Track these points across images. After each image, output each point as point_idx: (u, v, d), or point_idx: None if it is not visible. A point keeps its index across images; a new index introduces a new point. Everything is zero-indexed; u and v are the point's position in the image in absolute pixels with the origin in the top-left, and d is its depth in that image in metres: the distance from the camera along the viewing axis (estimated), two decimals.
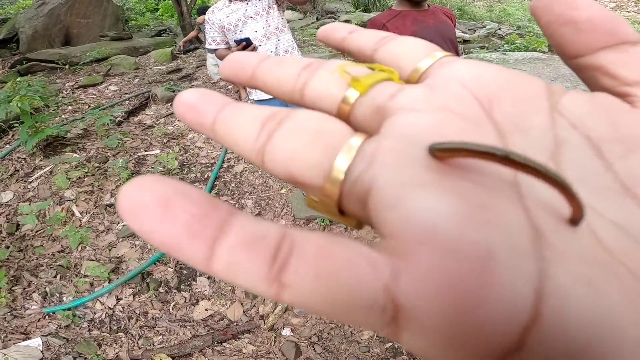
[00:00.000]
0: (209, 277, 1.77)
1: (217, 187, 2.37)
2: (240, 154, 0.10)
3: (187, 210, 0.08)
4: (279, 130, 0.09)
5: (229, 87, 3.64)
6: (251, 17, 1.59)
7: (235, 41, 1.56)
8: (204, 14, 3.45)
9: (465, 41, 5.39)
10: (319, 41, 0.13)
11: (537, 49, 4.54)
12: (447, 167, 0.07)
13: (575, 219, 0.07)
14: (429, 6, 1.30)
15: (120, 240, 1.98)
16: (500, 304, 0.06)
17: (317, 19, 7.10)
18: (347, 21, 6.34)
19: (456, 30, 1.44)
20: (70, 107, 3.37)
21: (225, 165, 2.58)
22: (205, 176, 2.47)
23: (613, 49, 0.10)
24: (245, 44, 1.53)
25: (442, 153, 0.07)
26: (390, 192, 0.07)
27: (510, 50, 4.43)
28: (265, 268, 0.07)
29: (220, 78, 3.37)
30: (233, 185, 2.41)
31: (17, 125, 2.65)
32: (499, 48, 4.87)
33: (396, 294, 0.07)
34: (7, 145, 2.78)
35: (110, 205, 2.18)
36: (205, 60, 3.60)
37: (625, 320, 0.06)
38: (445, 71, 0.10)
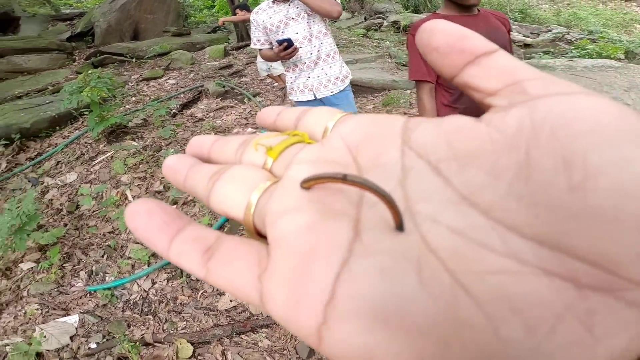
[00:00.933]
0: None
1: None
2: (199, 198, 0.13)
3: (160, 217, 0.12)
4: (218, 180, 0.12)
5: (274, 84, 3.72)
6: (293, 18, 1.60)
7: (277, 41, 1.59)
8: (246, 10, 3.58)
9: (527, 45, 4.99)
10: (259, 125, 0.16)
11: (612, 56, 4.06)
12: (314, 192, 0.11)
13: (398, 225, 0.09)
14: (479, 11, 1.23)
15: None
16: (311, 287, 0.09)
17: (365, 18, 6.99)
18: (395, 22, 6.14)
19: (517, 33, 1.35)
20: (133, 98, 3.68)
21: None
22: None
23: (472, 64, 0.11)
24: (287, 45, 1.55)
25: (306, 184, 0.11)
26: (273, 216, 0.11)
27: (579, 57, 4.01)
28: (199, 257, 0.11)
29: (267, 75, 3.47)
30: None
31: (86, 113, 2.96)
32: (567, 53, 4.44)
33: (262, 280, 0.10)
34: (77, 131, 3.11)
35: (159, 192, 2.35)
36: (255, 57, 3.72)
37: (418, 302, 0.08)
38: (336, 128, 0.13)
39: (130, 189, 2.39)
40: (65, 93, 2.73)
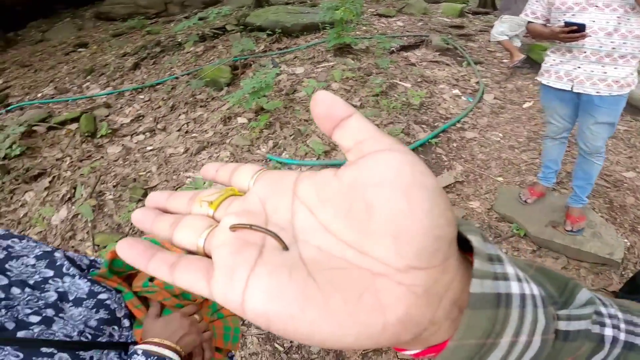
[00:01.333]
0: None
1: (440, 139, 2.37)
2: (164, 238, 0.19)
3: (139, 248, 0.18)
4: (177, 227, 0.19)
5: (503, 60, 3.29)
6: (597, 6, 1.36)
7: (565, 22, 1.39)
8: None
9: None
10: (203, 178, 0.25)
11: None
12: (238, 233, 0.17)
13: (283, 248, 0.16)
14: None
15: None
16: (235, 283, 0.15)
17: None
18: None
19: None
20: (364, 27, 4.04)
21: (458, 125, 2.51)
22: (435, 124, 2.51)
23: (338, 127, 0.17)
24: (576, 29, 1.35)
25: (232, 229, 0.17)
26: (214, 248, 0.17)
27: None
28: (167, 269, 0.17)
29: (498, 42, 3.10)
30: (455, 145, 2.35)
31: (328, 27, 3.48)
32: None
33: (210, 283, 0.16)
34: (316, 39, 3.71)
35: (355, 107, 2.61)
36: (492, 27, 3.33)
37: (287, 287, 0.15)
38: (254, 186, 0.19)
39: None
40: (322, 8, 3.23)
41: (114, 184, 2.24)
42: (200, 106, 2.89)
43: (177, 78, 3.31)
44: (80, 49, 4.64)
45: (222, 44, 3.80)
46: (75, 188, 2.26)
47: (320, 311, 0.14)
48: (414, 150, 2.27)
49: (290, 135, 2.45)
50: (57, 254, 0.58)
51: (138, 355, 0.52)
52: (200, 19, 3.65)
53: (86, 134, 2.67)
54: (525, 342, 0.15)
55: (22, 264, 0.54)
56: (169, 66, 3.56)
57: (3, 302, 0.49)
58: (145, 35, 4.59)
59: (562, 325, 0.16)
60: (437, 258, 0.14)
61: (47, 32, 5.93)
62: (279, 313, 0.14)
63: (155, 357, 0.53)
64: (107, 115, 2.93)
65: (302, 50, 3.52)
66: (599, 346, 0.18)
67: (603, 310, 0.19)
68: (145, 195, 2.15)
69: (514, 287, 0.15)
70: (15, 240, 0.58)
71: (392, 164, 0.15)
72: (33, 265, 0.55)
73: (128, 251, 0.18)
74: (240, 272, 0.15)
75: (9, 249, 0.55)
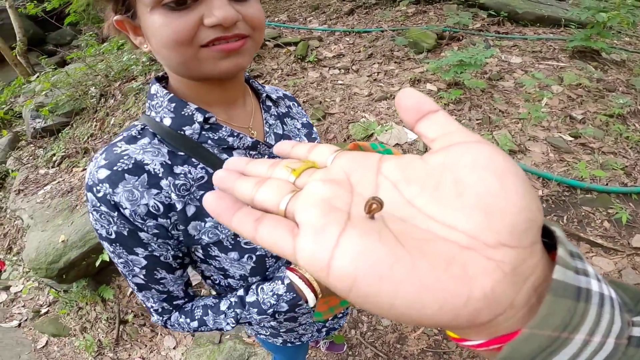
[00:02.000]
0: None
1: None
2: (244, 199, 0.20)
3: (226, 201, 0.19)
4: (261, 187, 0.20)
5: None
6: None
7: None
8: None
9: None
10: (276, 153, 0.24)
11: None
12: (323, 200, 0.18)
13: (370, 216, 0.17)
14: None
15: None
16: (326, 240, 0.15)
17: None
18: None
19: None
20: (627, 38, 3.13)
21: None
22: None
23: (424, 119, 0.18)
24: None
25: (369, 213, 0.17)
26: (301, 209, 0.17)
27: None
28: (252, 224, 0.18)
29: None
30: None
31: (573, 26, 2.84)
32: None
33: (295, 241, 0.17)
34: (551, 34, 3.11)
35: (571, 118, 2.13)
36: None
37: (377, 248, 0.15)
38: (335, 160, 0.20)
39: (551, 98, 2.30)
40: (581, 6, 2.65)
41: (304, 100, 2.59)
42: (395, 62, 2.93)
43: (382, 31, 3.43)
44: None
45: (434, 11, 3.67)
46: None
47: (408, 272, 0.14)
48: (628, 194, 1.75)
49: (477, 120, 2.22)
50: (315, 130, 0.63)
51: (282, 284, 0.51)
52: None
53: (298, 57, 3.14)
54: (599, 343, 0.14)
55: (293, 126, 0.60)
56: (378, 19, 3.71)
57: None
58: None
59: (637, 332, 0.16)
60: (527, 239, 0.14)
61: None
62: (368, 273, 0.14)
63: (294, 295, 0.50)
64: (317, 47, 3.33)
65: (528, 40, 3.02)
66: None
67: None
68: (324, 117, 2.40)
69: (594, 285, 0.15)
70: (295, 104, 0.65)
71: (484, 152, 0.16)
72: (298, 130, 0.60)
73: (216, 203, 0.19)
74: (331, 232, 0.16)
75: (289, 109, 0.62)
